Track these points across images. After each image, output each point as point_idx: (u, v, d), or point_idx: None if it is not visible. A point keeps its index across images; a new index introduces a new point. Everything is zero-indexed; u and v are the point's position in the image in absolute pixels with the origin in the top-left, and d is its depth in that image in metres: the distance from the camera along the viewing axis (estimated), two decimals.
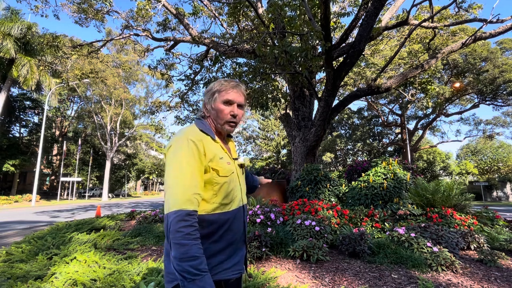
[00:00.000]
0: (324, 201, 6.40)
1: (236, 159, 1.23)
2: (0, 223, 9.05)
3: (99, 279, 2.82)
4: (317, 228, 4.06)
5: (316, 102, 8.58)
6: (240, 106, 1.16)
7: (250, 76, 7.85)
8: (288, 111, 9.32)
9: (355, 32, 7.85)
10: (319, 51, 7.89)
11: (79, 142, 30.05)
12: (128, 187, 46.61)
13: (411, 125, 28.55)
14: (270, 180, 1.60)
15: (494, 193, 32.42)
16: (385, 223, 4.83)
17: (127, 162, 40.59)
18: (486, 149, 36.52)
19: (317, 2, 5.59)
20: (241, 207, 1.15)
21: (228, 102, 1.13)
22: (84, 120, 34.27)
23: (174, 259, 0.89)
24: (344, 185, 6.98)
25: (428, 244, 3.64)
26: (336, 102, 7.92)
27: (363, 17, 5.73)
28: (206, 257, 0.99)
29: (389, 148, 32.29)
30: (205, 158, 1.02)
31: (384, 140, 31.75)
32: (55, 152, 33.55)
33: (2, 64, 20.30)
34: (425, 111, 26.63)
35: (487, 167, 35.35)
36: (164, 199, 1.02)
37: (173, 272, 0.97)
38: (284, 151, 33.25)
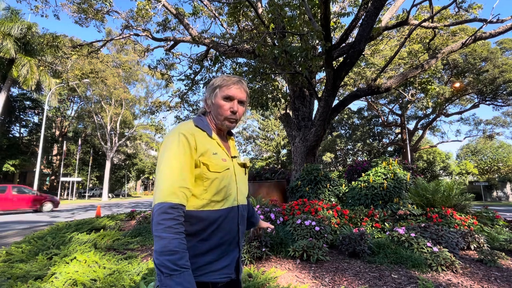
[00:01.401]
0: (324, 201, 6.39)
1: (236, 157, 1.18)
2: (0, 223, 9.06)
3: (99, 279, 2.82)
4: (317, 228, 4.06)
5: (316, 102, 8.58)
6: (241, 102, 1.14)
7: (250, 76, 7.85)
8: (288, 111, 9.32)
9: (355, 32, 7.85)
10: (319, 51, 7.89)
11: (79, 142, 30.04)
12: (128, 187, 46.62)
13: (411, 125, 28.57)
14: (272, 226, 1.48)
15: (494, 193, 32.42)
16: (385, 223, 4.83)
17: (127, 162, 40.59)
18: (486, 149, 36.51)
19: (317, 2, 5.59)
20: (235, 207, 1.10)
21: (229, 98, 1.11)
22: (84, 120, 34.27)
23: (154, 253, 0.86)
24: (344, 185, 6.97)
25: (428, 244, 3.64)
26: (336, 102, 7.92)
27: (363, 17, 5.73)
28: (193, 255, 0.96)
29: (389, 148, 32.30)
30: (196, 152, 1.00)
31: (384, 140, 31.75)
32: (55, 152, 33.55)
33: (2, 64, 20.29)
34: (425, 111, 26.63)
35: (487, 167, 35.34)
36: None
37: None
38: (284, 151, 33.27)
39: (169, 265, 0.83)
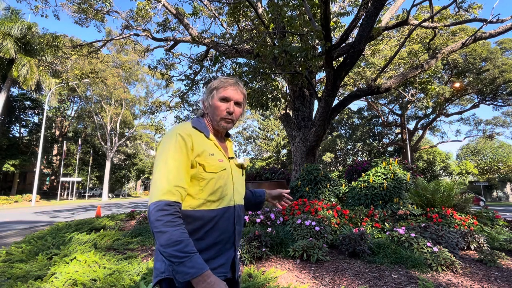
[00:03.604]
0: (324, 201, 6.40)
1: (233, 158, 1.20)
2: (0, 223, 9.05)
3: (99, 279, 2.82)
4: (317, 228, 4.06)
5: (316, 102, 8.59)
6: (237, 104, 1.16)
7: (250, 76, 7.85)
8: (288, 111, 9.32)
9: (355, 32, 7.84)
10: (319, 51, 7.89)
11: (79, 142, 30.05)
12: (128, 187, 46.63)
13: (411, 125, 28.57)
14: (287, 190, 1.47)
15: (494, 193, 32.45)
16: (385, 223, 4.83)
17: (127, 162, 40.59)
18: (486, 149, 36.52)
19: (317, 2, 5.59)
20: (231, 207, 1.11)
21: (225, 99, 1.13)
22: (84, 120, 34.28)
23: (160, 247, 0.88)
24: (344, 185, 6.97)
25: (428, 244, 3.64)
26: (336, 102, 7.92)
27: (363, 17, 5.73)
28: None
29: (389, 148, 32.30)
30: (192, 152, 1.03)
31: (384, 140, 31.76)
32: (55, 152, 33.55)
33: (2, 64, 20.29)
34: (425, 111, 26.64)
35: (487, 167, 35.34)
36: None
37: (158, 268, 0.98)
38: (284, 151, 33.27)
39: (177, 254, 0.86)
